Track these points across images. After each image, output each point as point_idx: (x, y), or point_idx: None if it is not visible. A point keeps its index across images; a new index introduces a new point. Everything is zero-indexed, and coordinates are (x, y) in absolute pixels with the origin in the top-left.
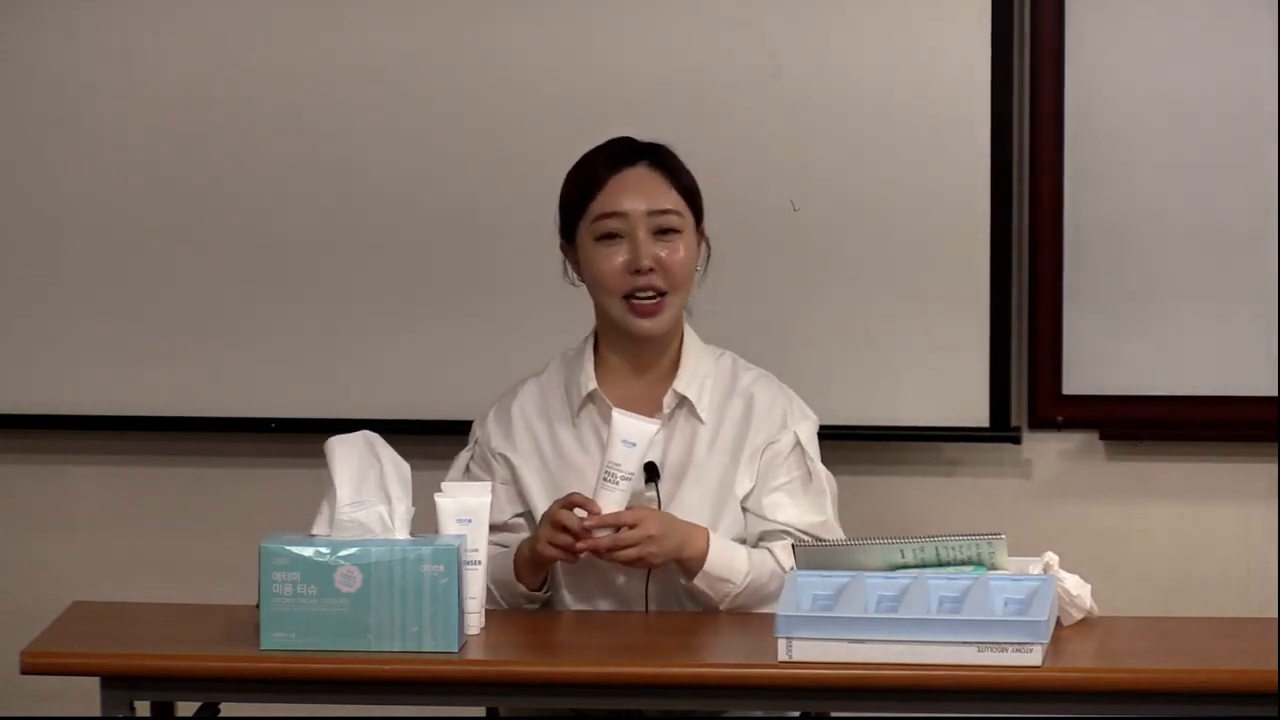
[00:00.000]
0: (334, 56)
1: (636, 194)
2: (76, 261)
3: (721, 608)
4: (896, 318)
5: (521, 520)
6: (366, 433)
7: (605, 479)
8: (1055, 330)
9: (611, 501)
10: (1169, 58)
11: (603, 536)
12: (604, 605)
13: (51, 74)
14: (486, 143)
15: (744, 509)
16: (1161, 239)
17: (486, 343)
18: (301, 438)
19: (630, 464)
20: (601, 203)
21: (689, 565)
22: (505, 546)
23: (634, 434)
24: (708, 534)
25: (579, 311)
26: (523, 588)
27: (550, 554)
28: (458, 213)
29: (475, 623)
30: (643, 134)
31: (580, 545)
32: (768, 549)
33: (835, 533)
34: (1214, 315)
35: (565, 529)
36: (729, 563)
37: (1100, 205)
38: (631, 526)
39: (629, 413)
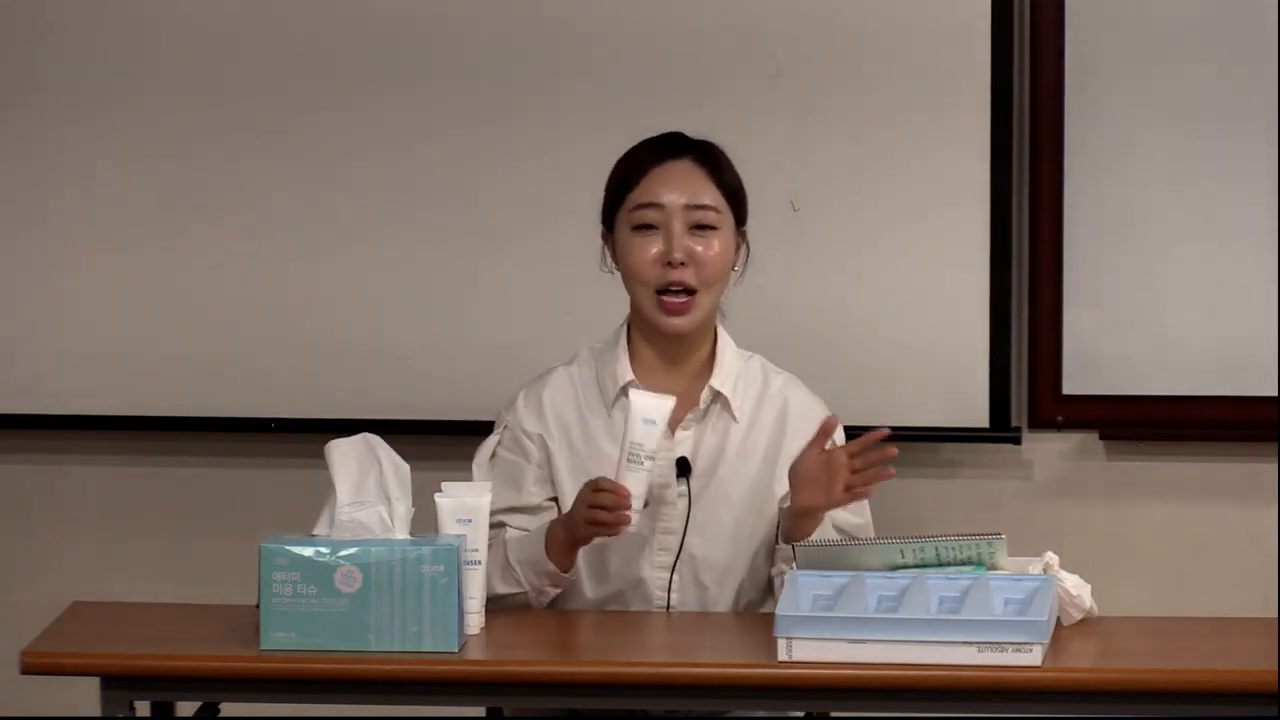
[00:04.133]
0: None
1: (676, 187)
2: (76, 261)
3: None
4: (896, 318)
5: (553, 504)
6: (366, 434)
7: (629, 460)
8: (1055, 330)
9: (637, 482)
10: (1170, 55)
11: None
12: (626, 596)
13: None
14: (484, 143)
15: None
16: (1162, 238)
17: (487, 343)
18: (301, 438)
19: (652, 443)
20: (640, 193)
21: (809, 524)
22: (528, 531)
23: (653, 412)
24: None
25: (582, 316)
26: (553, 566)
27: (592, 529)
28: (458, 212)
29: (475, 623)
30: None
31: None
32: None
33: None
34: (1214, 315)
35: (604, 494)
36: (825, 529)
37: (1100, 205)
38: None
39: (646, 390)
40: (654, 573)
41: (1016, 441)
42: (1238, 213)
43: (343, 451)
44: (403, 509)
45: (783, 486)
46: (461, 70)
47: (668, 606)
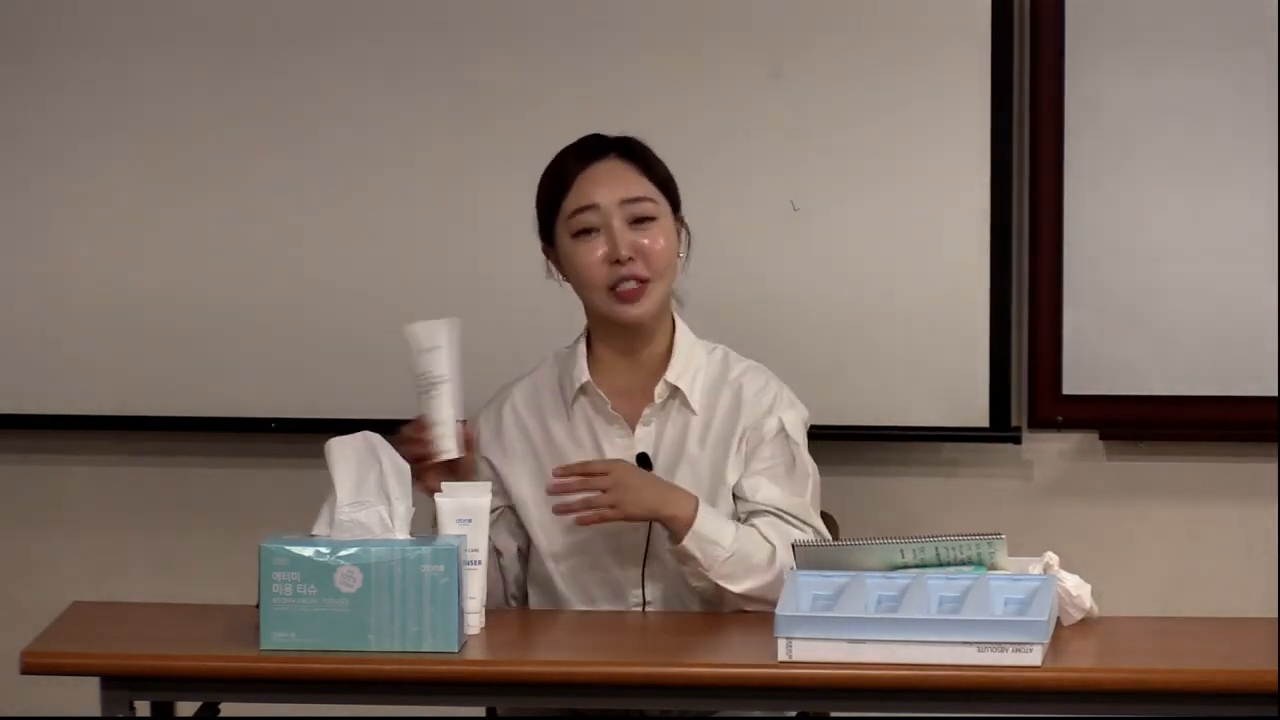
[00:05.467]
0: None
1: (607, 185)
2: (76, 260)
3: (711, 575)
4: (896, 318)
5: (500, 511)
6: (366, 433)
7: (420, 393)
8: (1055, 330)
9: (435, 408)
10: (1171, 54)
11: (572, 482)
12: (600, 598)
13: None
14: (484, 147)
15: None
16: (1162, 238)
17: (485, 343)
18: (301, 438)
19: (439, 366)
20: (574, 199)
21: (675, 525)
22: None
23: (431, 339)
24: (695, 499)
25: (574, 310)
26: None
27: (419, 469)
28: (461, 213)
29: (475, 623)
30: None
31: (559, 487)
32: (753, 525)
33: (813, 517)
34: (1214, 315)
35: (410, 440)
36: (718, 526)
37: (1100, 205)
38: (604, 474)
39: (418, 322)
40: (625, 571)
41: (1016, 441)
42: (1238, 213)
43: (343, 450)
44: (403, 509)
45: (735, 472)
46: (460, 76)
47: (644, 604)
